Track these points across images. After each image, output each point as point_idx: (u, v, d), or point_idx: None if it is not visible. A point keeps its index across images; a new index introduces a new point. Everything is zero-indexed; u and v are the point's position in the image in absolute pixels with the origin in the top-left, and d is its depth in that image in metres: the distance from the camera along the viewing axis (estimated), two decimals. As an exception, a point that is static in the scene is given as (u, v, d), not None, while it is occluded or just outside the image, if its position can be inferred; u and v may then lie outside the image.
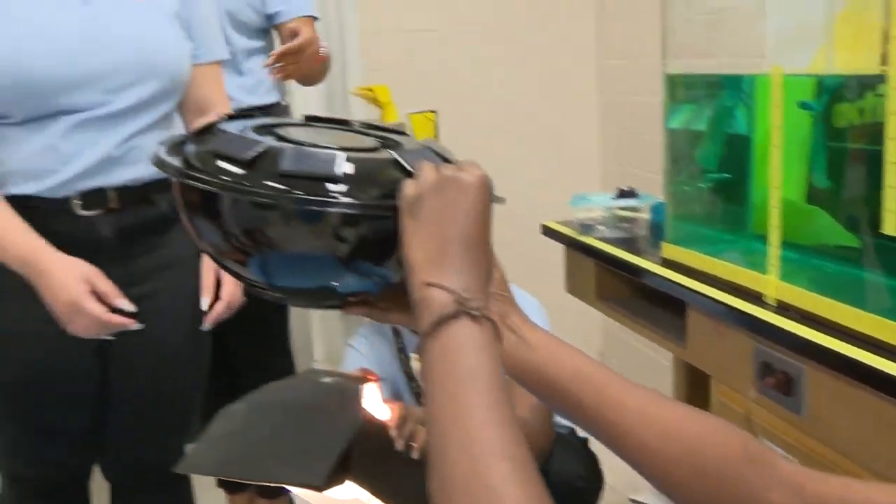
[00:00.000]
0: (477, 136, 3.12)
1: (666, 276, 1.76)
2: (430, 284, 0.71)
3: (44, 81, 1.36)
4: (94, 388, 1.56)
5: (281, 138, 0.78)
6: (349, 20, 2.97)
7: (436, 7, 3.16)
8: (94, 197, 1.44)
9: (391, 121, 2.75)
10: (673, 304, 1.79)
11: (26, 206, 1.41)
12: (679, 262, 1.79)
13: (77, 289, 1.35)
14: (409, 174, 0.74)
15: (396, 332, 2.11)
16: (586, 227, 2.17)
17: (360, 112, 2.99)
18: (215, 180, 0.72)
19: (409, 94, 3.00)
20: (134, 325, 1.36)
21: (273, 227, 0.73)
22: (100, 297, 1.38)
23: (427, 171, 0.74)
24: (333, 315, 3.16)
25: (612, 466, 1.84)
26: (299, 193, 0.71)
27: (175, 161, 0.76)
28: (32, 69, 1.35)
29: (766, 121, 1.51)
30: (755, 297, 1.52)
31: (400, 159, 0.75)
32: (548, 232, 2.33)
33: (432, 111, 2.76)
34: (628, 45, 3.11)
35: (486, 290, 0.73)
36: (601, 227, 2.16)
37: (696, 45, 1.97)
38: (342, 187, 0.72)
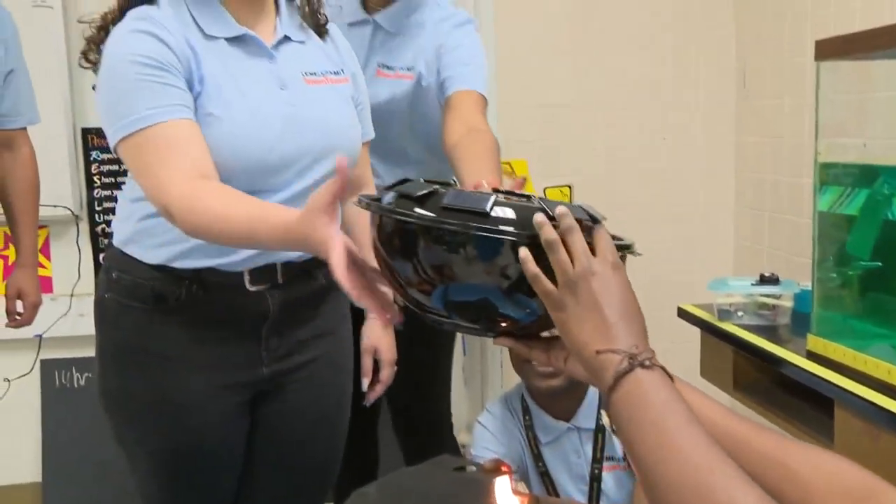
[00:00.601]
0: (611, 212, 3.07)
1: (812, 370, 1.68)
2: (600, 352, 0.81)
3: (253, 164, 1.41)
4: (243, 452, 1.60)
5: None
6: (488, 96, 3.01)
7: (572, 83, 3.17)
8: (263, 272, 1.49)
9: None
10: (818, 400, 1.70)
11: (203, 279, 1.46)
12: (826, 357, 1.71)
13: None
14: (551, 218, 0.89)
15: (526, 410, 2.09)
16: (724, 313, 2.10)
17: (494, 185, 3.00)
18: (407, 212, 0.92)
19: (545, 168, 3.00)
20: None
21: (456, 263, 0.90)
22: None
23: (561, 268, 0.85)
24: (459, 385, 3.16)
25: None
26: (481, 224, 0.88)
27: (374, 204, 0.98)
28: (245, 152, 1.40)
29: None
30: (913, 400, 1.43)
31: (543, 206, 0.91)
32: (683, 314, 2.26)
33: (567, 186, 2.75)
34: (768, 123, 3.03)
35: (646, 342, 0.82)
36: (740, 314, 2.09)
37: (841, 125, 1.91)
38: (510, 228, 0.89)
